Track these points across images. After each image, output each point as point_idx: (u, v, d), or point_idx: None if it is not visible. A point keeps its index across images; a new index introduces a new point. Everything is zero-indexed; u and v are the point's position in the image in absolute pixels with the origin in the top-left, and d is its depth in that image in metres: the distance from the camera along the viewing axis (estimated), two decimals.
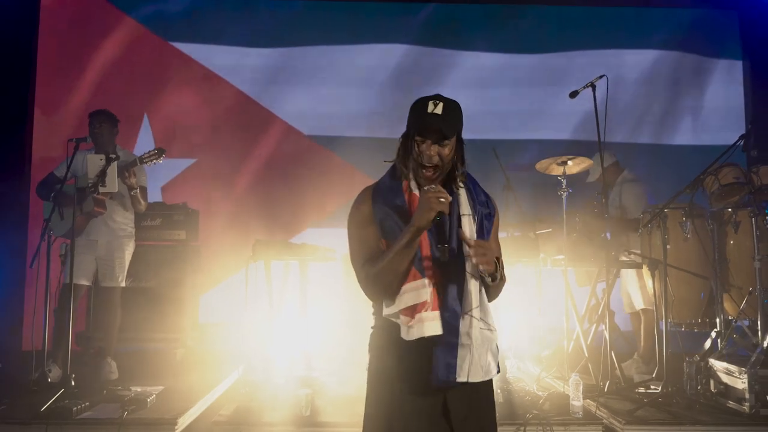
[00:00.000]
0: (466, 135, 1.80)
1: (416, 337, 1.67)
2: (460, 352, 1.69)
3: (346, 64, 5.86)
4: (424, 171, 1.75)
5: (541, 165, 4.33)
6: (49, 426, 3.05)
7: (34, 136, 5.67)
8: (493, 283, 1.74)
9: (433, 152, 1.73)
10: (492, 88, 5.91)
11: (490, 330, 1.75)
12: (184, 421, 3.19)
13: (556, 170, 4.25)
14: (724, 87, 6.08)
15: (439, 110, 1.72)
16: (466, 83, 5.84)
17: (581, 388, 3.29)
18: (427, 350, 1.68)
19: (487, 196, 1.87)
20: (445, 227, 1.74)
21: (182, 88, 5.74)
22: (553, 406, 3.43)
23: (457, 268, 1.73)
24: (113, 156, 3.78)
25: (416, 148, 1.75)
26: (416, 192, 1.76)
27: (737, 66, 6.13)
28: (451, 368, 1.68)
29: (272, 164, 5.74)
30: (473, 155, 1.86)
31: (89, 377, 3.94)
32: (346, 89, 5.80)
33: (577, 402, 3.27)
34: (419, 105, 1.75)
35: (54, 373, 3.84)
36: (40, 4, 5.74)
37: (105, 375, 4.10)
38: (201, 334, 4.96)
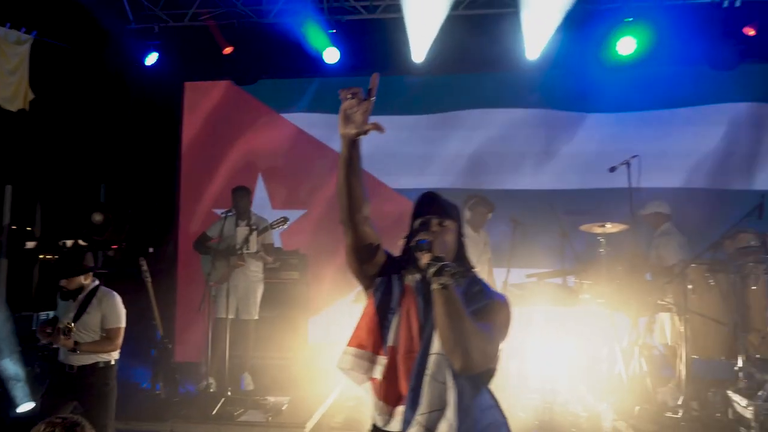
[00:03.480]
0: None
1: None
2: None
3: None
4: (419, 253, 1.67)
5: (584, 227, 5.21)
6: (220, 426, 4.38)
7: (180, 203, 7.14)
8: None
9: (434, 224, 1.79)
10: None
11: None
12: (309, 425, 4.42)
13: (597, 230, 5.11)
14: None
15: (434, 195, 1.88)
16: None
17: (613, 410, 4.18)
18: None
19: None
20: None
21: (293, 152, 7.04)
22: (590, 425, 4.33)
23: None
24: (255, 227, 5.18)
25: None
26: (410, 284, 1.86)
27: None
28: None
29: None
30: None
31: (233, 388, 5.27)
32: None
33: (608, 423, 4.17)
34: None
35: (213, 384, 5.22)
36: (183, 95, 7.26)
37: (245, 386, 5.44)
38: (311, 352, 6.21)
